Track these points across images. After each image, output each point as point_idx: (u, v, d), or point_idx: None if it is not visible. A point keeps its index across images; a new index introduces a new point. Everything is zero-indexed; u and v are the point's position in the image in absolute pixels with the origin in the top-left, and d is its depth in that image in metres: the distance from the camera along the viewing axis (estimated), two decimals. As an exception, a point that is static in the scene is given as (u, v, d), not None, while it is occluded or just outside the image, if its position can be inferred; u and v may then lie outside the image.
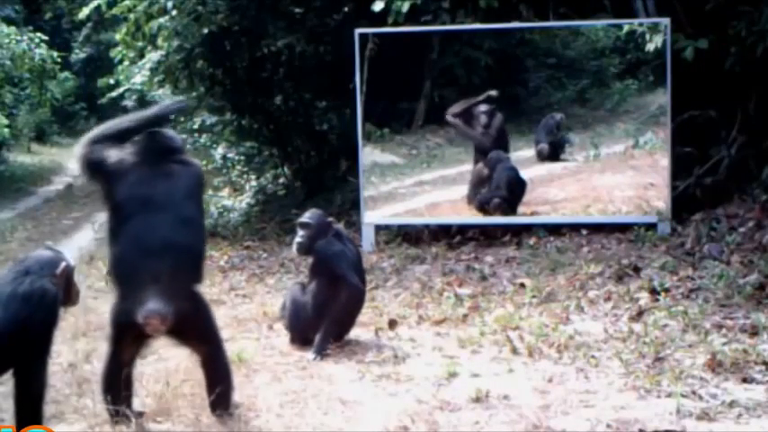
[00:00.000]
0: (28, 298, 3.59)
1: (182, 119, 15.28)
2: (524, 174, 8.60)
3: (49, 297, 3.64)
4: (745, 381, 4.47)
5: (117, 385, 4.01)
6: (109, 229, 4.07)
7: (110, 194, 4.04)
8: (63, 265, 3.78)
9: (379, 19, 8.40)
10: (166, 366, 4.69)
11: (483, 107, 8.52)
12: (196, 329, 4.04)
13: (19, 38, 16.57)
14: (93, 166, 4.09)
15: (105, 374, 4.10)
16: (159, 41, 10.63)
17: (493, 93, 8.53)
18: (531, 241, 8.05)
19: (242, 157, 13.28)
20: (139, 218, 3.94)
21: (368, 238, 8.39)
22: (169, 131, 4.31)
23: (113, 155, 4.08)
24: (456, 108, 8.61)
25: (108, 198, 4.06)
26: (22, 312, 3.56)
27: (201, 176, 4.27)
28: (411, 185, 8.93)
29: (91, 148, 4.13)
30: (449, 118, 8.65)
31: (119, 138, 4.17)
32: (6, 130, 17.14)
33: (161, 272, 3.81)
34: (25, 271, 3.67)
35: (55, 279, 3.70)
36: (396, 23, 8.33)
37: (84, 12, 11.92)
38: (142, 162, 4.06)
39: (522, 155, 8.70)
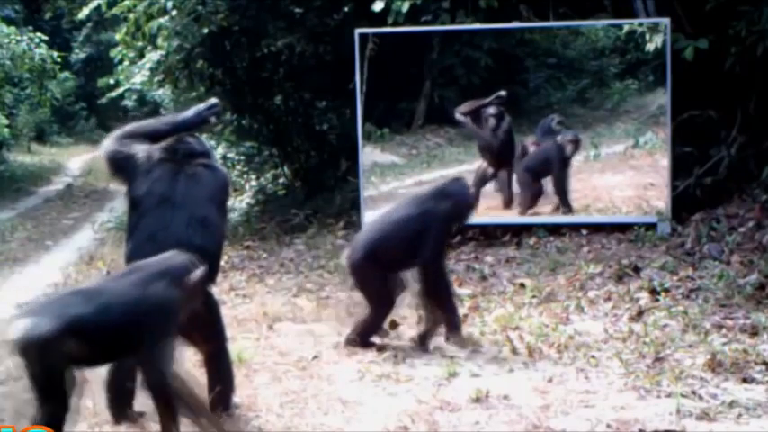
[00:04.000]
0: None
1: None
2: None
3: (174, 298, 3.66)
4: (745, 381, 4.47)
5: (120, 384, 4.01)
6: (127, 225, 4.12)
7: (130, 190, 4.08)
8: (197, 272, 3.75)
9: (379, 19, 8.40)
10: (166, 366, 4.68)
11: (492, 109, 8.47)
12: (205, 329, 4.04)
13: (19, 38, 16.56)
14: (118, 163, 4.13)
15: (110, 373, 4.09)
16: (159, 41, 10.63)
17: (502, 93, 8.49)
18: (531, 241, 8.05)
19: (242, 157, 13.29)
20: (155, 215, 3.98)
21: (368, 238, 8.38)
22: (197, 136, 4.34)
23: (140, 151, 4.11)
24: (464, 107, 8.54)
25: (129, 193, 4.10)
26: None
27: (225, 182, 4.26)
28: (411, 185, 8.92)
29: (119, 143, 4.16)
30: (458, 117, 8.60)
31: (149, 137, 4.21)
32: (6, 130, 17.15)
33: None
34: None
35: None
36: (396, 23, 8.33)
37: (84, 12, 11.93)
38: (166, 161, 4.09)
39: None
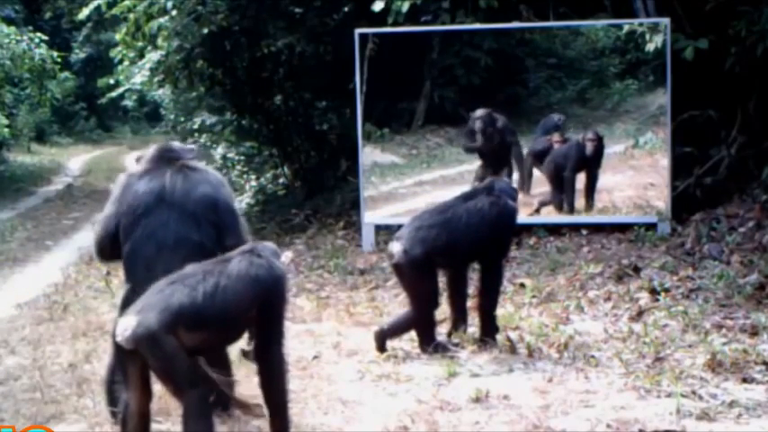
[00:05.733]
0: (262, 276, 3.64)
1: (182, 119, 15.34)
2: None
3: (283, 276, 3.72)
4: (745, 381, 4.47)
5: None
6: (122, 229, 4.09)
7: (122, 203, 4.11)
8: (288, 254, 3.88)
9: (379, 19, 8.40)
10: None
11: (478, 112, 8.49)
12: None
13: (19, 38, 16.55)
14: (109, 239, 4.13)
15: (108, 372, 4.09)
16: (159, 41, 10.64)
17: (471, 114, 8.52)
18: (531, 241, 8.05)
19: (242, 157, 13.30)
20: (151, 216, 4.02)
21: (368, 238, 8.39)
22: (176, 144, 4.44)
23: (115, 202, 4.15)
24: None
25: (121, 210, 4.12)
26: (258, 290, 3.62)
27: (216, 182, 4.26)
28: (411, 185, 8.92)
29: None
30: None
31: None
32: (6, 130, 17.14)
33: (172, 268, 3.84)
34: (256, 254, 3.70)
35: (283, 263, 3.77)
36: (396, 23, 8.33)
37: (84, 12, 11.93)
38: (152, 169, 4.14)
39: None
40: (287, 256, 3.80)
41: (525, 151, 8.65)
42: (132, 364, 3.47)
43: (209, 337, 3.54)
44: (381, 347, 5.14)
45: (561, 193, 8.42)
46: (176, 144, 4.35)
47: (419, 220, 5.24)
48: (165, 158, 4.18)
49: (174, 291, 3.48)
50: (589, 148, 8.30)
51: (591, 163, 8.36)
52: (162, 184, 4.07)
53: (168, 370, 3.41)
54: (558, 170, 8.43)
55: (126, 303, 3.95)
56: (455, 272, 5.32)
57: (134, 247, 4.02)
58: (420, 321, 5.16)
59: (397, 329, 5.23)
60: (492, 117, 8.48)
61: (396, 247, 5.14)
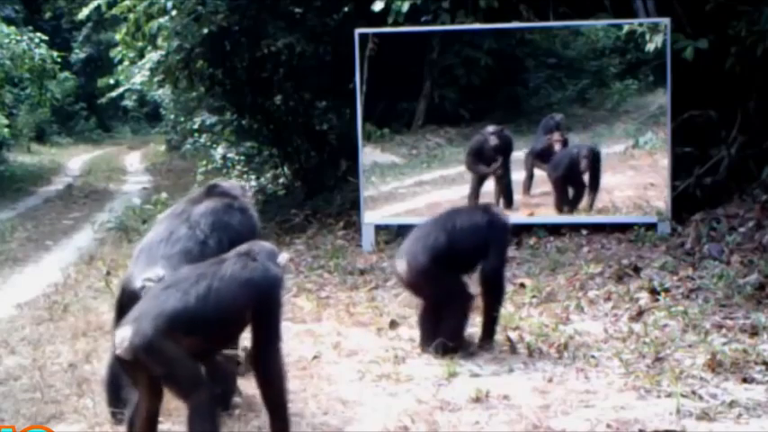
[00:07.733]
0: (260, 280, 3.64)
1: (182, 119, 15.33)
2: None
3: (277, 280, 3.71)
4: (745, 381, 4.47)
5: (118, 384, 4.00)
6: None
7: None
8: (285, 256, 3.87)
9: (379, 19, 8.40)
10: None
11: (490, 128, 8.53)
12: None
13: (19, 38, 16.56)
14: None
15: (109, 372, 4.09)
16: (159, 41, 10.63)
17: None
18: (531, 241, 8.05)
19: (242, 157, 13.29)
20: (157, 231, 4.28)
21: (368, 238, 8.39)
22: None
23: None
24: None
25: None
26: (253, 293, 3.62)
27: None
28: (411, 185, 8.92)
29: None
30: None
31: None
32: (6, 130, 17.14)
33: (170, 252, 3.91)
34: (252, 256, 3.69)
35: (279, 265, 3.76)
36: (396, 23, 8.33)
37: (84, 12, 11.94)
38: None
39: (522, 155, 8.67)
40: (284, 257, 3.79)
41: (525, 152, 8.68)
42: (137, 373, 3.47)
43: (204, 341, 3.53)
44: (462, 345, 5.11)
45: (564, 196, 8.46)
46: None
47: (416, 232, 5.29)
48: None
49: (168, 296, 3.47)
50: (583, 165, 8.32)
51: (589, 173, 8.39)
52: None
53: (171, 374, 3.41)
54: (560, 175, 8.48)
55: (120, 306, 3.99)
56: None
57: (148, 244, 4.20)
58: (456, 319, 5.11)
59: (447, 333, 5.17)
60: (504, 136, 8.52)
61: (400, 266, 5.19)
